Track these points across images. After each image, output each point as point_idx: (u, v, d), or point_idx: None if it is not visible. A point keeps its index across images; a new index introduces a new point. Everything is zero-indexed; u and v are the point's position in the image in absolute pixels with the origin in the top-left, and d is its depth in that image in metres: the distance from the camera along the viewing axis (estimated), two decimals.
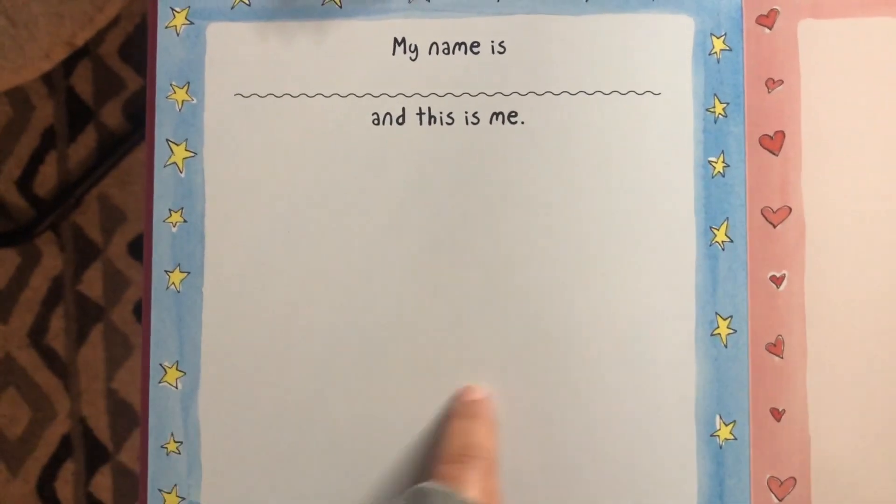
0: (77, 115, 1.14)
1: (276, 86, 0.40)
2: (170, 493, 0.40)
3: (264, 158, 0.40)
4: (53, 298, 1.14)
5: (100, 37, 1.05)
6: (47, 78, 1.14)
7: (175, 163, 0.40)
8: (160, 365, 0.40)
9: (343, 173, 0.40)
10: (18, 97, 1.14)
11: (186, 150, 0.40)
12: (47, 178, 1.15)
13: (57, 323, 1.14)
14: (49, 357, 1.13)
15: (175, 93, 0.40)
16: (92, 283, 1.11)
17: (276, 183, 0.40)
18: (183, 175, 0.40)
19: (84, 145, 1.15)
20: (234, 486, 0.40)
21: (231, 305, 0.40)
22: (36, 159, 1.15)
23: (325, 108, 0.40)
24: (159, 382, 0.40)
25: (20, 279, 1.14)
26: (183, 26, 0.41)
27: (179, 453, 0.40)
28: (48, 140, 1.15)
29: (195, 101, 0.40)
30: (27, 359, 1.13)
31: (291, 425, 0.40)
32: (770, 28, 0.40)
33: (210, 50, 0.41)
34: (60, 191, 1.14)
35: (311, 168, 0.40)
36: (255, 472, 0.40)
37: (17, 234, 1.13)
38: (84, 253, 1.13)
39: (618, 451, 0.39)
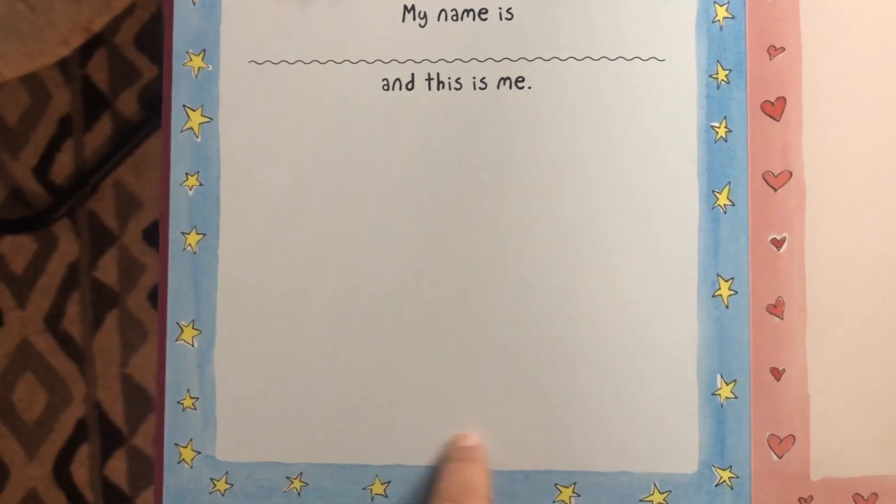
0: (93, 103, 1.15)
1: (289, 53, 0.41)
2: (185, 446, 0.41)
3: (278, 124, 0.41)
4: (69, 284, 1.15)
5: (115, 25, 1.06)
6: (63, 66, 1.15)
7: (192, 128, 0.42)
8: (177, 324, 0.41)
9: (354, 137, 0.41)
10: (35, 85, 1.16)
11: (203, 115, 0.42)
12: (64, 166, 1.16)
13: (73, 308, 1.15)
14: (65, 342, 1.14)
15: (191, 60, 0.42)
16: (107, 270, 1.13)
17: (289, 148, 0.41)
18: (199, 140, 0.42)
19: (100, 133, 1.16)
20: (249, 441, 0.41)
21: (246, 267, 0.41)
22: (52, 147, 1.16)
23: (337, 75, 0.41)
24: (176, 340, 0.41)
25: (37, 265, 1.15)
26: None
27: (195, 409, 0.41)
28: (65, 128, 1.16)
29: (211, 69, 0.42)
30: (44, 344, 1.15)
31: (303, 383, 0.41)
32: None
33: (225, 18, 0.42)
34: (76, 178, 1.15)
35: (322, 133, 0.41)
36: (270, 427, 0.41)
37: (34, 221, 1.14)
38: (100, 240, 1.14)
39: (620, 410, 0.40)
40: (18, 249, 1.14)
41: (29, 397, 1.13)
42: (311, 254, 0.41)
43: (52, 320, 1.14)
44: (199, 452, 0.41)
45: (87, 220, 1.15)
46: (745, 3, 0.41)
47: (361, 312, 0.41)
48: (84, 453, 1.12)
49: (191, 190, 0.41)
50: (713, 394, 0.40)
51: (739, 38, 0.41)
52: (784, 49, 0.41)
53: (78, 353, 1.13)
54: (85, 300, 1.14)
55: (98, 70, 1.13)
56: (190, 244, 0.41)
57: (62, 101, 1.16)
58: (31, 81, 1.15)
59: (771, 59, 0.41)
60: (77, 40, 0.94)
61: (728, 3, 0.41)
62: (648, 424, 0.40)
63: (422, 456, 0.41)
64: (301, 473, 0.41)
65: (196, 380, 0.41)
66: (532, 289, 0.40)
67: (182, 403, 0.41)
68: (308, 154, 0.41)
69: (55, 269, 1.15)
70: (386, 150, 0.41)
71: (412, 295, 0.41)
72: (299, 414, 0.41)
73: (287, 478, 0.41)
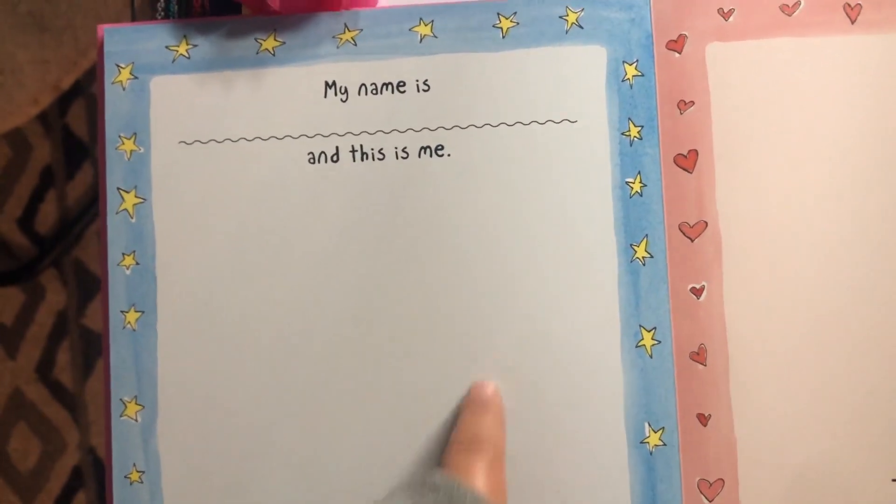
0: (73, 152, 1.17)
1: (217, 132, 0.43)
2: None
3: (209, 201, 0.43)
4: (59, 333, 1.17)
5: (91, 76, 1.08)
6: (44, 119, 1.17)
7: (126, 209, 0.43)
8: (120, 400, 0.42)
9: (283, 210, 0.43)
10: (17, 138, 1.18)
11: (136, 196, 0.43)
12: (48, 216, 1.18)
13: (63, 356, 1.16)
14: (57, 390, 1.16)
15: (123, 143, 0.43)
16: (96, 316, 1.14)
17: (220, 223, 0.43)
18: (134, 220, 0.43)
19: (81, 182, 1.18)
20: None
21: (184, 341, 0.42)
22: (36, 198, 1.18)
23: (264, 151, 0.43)
24: (120, 416, 0.42)
25: (26, 316, 1.17)
26: (128, 81, 0.43)
27: (142, 482, 0.42)
28: (47, 178, 1.18)
29: (142, 151, 0.43)
30: (36, 393, 1.16)
31: (246, 452, 0.42)
32: (679, 52, 0.42)
33: (154, 101, 0.43)
34: (61, 228, 1.17)
35: (252, 207, 0.43)
36: (216, 497, 0.42)
37: (21, 272, 1.16)
38: (86, 287, 1.16)
39: (551, 463, 0.41)
40: (7, 301, 1.16)
41: (23, 447, 1.15)
42: (246, 325, 0.42)
43: (44, 369, 1.15)
44: None
45: (72, 269, 1.16)
46: (653, 61, 0.42)
47: (298, 379, 0.42)
48: (81, 500, 1.14)
49: (128, 269, 0.43)
50: (642, 442, 0.41)
51: (650, 94, 0.42)
52: (693, 103, 0.42)
53: (70, 401, 1.15)
54: (75, 347, 1.16)
55: (77, 120, 1.15)
56: (129, 322, 0.43)
57: (43, 152, 1.18)
58: (13, 135, 1.17)
59: (682, 113, 0.42)
60: (47, 99, 0.95)
61: (637, 61, 0.42)
62: (580, 475, 0.41)
63: None
64: None
65: (141, 454, 0.42)
66: (459, 349, 0.42)
67: (129, 478, 0.42)
68: (240, 228, 0.43)
69: (44, 319, 1.16)
70: (315, 220, 0.42)
71: (346, 360, 0.42)
72: (243, 486, 0.42)
73: None
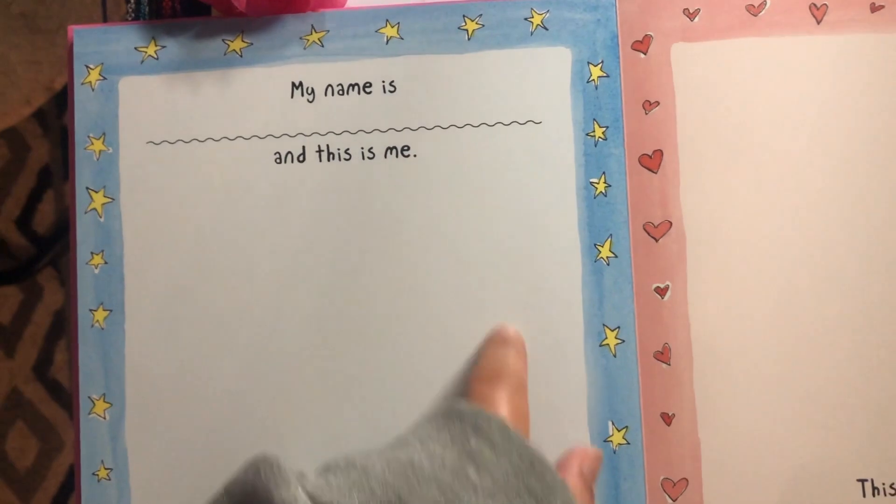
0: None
1: (185, 132, 0.43)
2: None
3: (176, 200, 0.43)
4: (56, 332, 1.17)
5: None
6: (42, 119, 1.18)
7: (95, 209, 0.43)
8: (88, 398, 0.43)
9: (250, 210, 0.43)
10: (15, 139, 1.19)
11: (105, 196, 0.43)
12: (45, 216, 1.18)
13: (61, 356, 1.17)
14: (54, 390, 1.16)
15: (92, 144, 0.44)
16: None
17: (188, 222, 0.43)
18: (102, 220, 0.43)
19: None
20: None
21: (151, 339, 0.43)
22: (34, 198, 1.19)
23: (231, 151, 0.43)
24: (89, 414, 0.43)
25: (24, 315, 1.17)
26: (97, 82, 0.44)
27: (110, 479, 0.42)
28: (44, 179, 1.19)
29: (111, 151, 0.43)
30: (33, 392, 1.17)
31: (214, 450, 0.42)
32: (645, 53, 0.42)
33: (123, 102, 0.43)
34: (59, 227, 1.18)
35: (219, 207, 0.43)
36: (182, 497, 0.42)
37: (19, 272, 1.16)
38: None
39: None
40: (4, 300, 1.17)
41: (21, 446, 1.15)
42: (213, 323, 0.43)
43: (41, 368, 1.16)
44: None
45: (70, 268, 1.17)
46: (619, 61, 0.42)
47: (263, 379, 0.42)
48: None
49: (96, 268, 0.43)
50: (605, 440, 0.41)
51: (615, 95, 0.42)
52: (659, 103, 0.42)
53: (68, 400, 1.15)
54: (73, 347, 1.16)
55: None
56: (98, 320, 0.43)
57: (41, 153, 1.18)
58: (10, 135, 1.18)
59: (647, 114, 0.42)
60: (40, 99, 0.96)
61: (602, 62, 0.42)
62: None
63: None
64: None
65: (109, 451, 0.42)
66: (423, 348, 0.42)
67: (97, 475, 0.42)
68: (206, 227, 0.43)
69: (42, 318, 1.17)
70: (281, 220, 0.43)
71: (311, 358, 0.42)
72: (210, 483, 0.42)
73: None
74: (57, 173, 1.19)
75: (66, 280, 1.18)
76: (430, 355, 0.42)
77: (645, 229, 0.42)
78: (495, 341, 0.41)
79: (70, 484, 1.14)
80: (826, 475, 0.41)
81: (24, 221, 1.19)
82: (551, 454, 0.41)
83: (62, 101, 1.15)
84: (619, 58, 0.42)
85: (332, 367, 0.42)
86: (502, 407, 0.38)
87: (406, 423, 0.41)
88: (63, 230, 1.17)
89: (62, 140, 1.19)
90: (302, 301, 0.43)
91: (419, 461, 0.33)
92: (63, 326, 1.18)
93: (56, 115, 1.18)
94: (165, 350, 0.43)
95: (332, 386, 0.42)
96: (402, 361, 0.42)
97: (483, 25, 0.42)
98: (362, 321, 0.42)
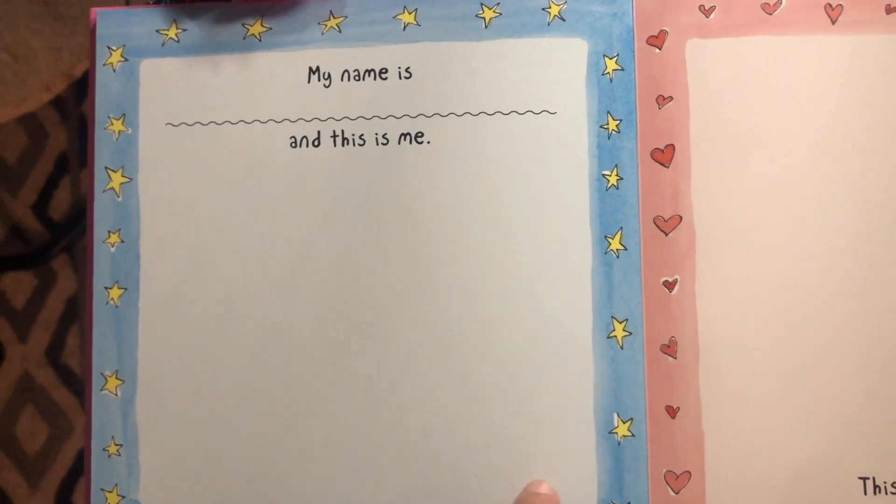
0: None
1: (203, 115, 0.44)
2: (111, 491, 0.43)
3: (193, 182, 0.44)
4: (69, 317, 1.18)
5: None
6: (60, 106, 1.19)
7: (113, 188, 0.44)
8: (101, 374, 0.43)
9: (264, 193, 0.43)
10: (33, 125, 1.20)
11: (123, 176, 0.44)
12: (61, 203, 1.19)
13: (73, 341, 1.18)
14: (65, 374, 1.17)
15: (112, 124, 0.44)
16: None
17: (203, 204, 0.44)
18: (120, 199, 0.44)
19: None
20: (171, 486, 0.43)
21: (165, 319, 0.43)
22: (50, 184, 1.20)
23: (247, 134, 0.44)
24: (101, 390, 0.43)
25: (37, 300, 1.18)
26: (119, 63, 0.44)
27: (120, 455, 0.43)
28: (62, 165, 1.19)
29: (130, 132, 0.44)
30: (45, 376, 1.17)
31: (222, 429, 0.43)
32: (660, 48, 0.43)
33: (143, 84, 0.44)
34: (74, 214, 1.19)
35: (235, 189, 0.43)
36: (191, 473, 0.43)
37: (34, 257, 1.17)
38: None
39: (519, 450, 0.42)
40: (19, 285, 1.18)
41: (31, 429, 1.16)
42: (226, 304, 0.43)
43: (53, 353, 1.17)
44: (124, 497, 0.43)
45: (84, 255, 1.18)
46: (634, 55, 0.42)
47: (274, 361, 0.43)
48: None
49: (113, 247, 0.44)
50: (610, 432, 0.41)
51: (629, 88, 0.42)
52: (672, 98, 0.42)
53: (78, 385, 1.16)
54: (84, 333, 1.17)
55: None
56: (112, 298, 0.43)
57: (59, 139, 1.19)
58: (29, 121, 1.19)
59: (660, 108, 0.42)
60: (59, 86, 0.97)
61: (617, 55, 0.42)
62: (548, 463, 0.41)
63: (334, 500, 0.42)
64: None
65: (120, 427, 0.43)
66: (435, 333, 0.42)
67: (107, 450, 0.43)
68: (221, 209, 0.43)
69: (55, 304, 1.18)
70: (295, 203, 0.43)
71: (323, 341, 0.43)
72: (219, 461, 0.43)
73: None
74: (74, 160, 1.20)
75: (80, 267, 1.19)
76: (438, 341, 0.42)
77: (655, 223, 0.42)
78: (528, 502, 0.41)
79: (78, 468, 1.15)
80: (828, 472, 0.41)
81: (40, 207, 1.20)
82: (556, 446, 0.41)
83: (81, 88, 1.16)
84: (634, 51, 0.42)
85: (343, 350, 0.43)
86: None
87: (415, 407, 0.42)
88: (79, 217, 1.18)
89: (80, 127, 1.20)
90: (314, 283, 0.43)
91: None
92: (76, 312, 1.18)
93: (75, 102, 1.19)
94: (178, 329, 0.43)
95: (342, 366, 0.43)
96: (409, 346, 0.42)
97: (500, 14, 0.43)
98: (372, 303, 0.43)
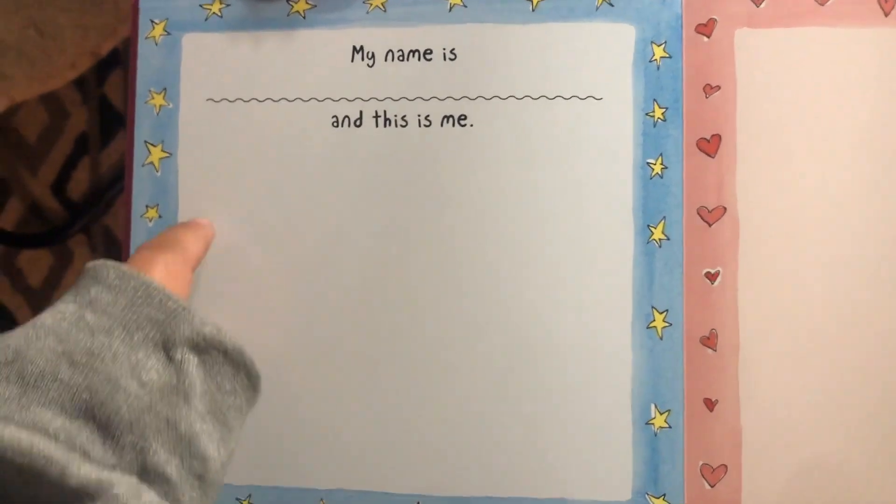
0: (109, 121, 1.19)
1: (245, 91, 0.43)
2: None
3: (233, 158, 0.43)
4: None
5: (129, 45, 1.09)
6: (81, 86, 1.19)
7: (152, 162, 0.44)
8: None
9: (304, 171, 0.43)
10: (54, 105, 1.20)
11: (163, 150, 0.44)
12: (80, 183, 1.19)
13: None
14: None
15: (153, 98, 0.44)
16: None
17: (243, 181, 0.43)
18: (159, 174, 0.44)
19: (115, 151, 1.19)
20: None
21: (198, 294, 0.43)
22: (70, 164, 1.20)
23: (289, 112, 0.43)
24: None
25: (53, 278, 1.19)
26: (161, 37, 0.44)
27: None
28: (81, 146, 1.19)
29: (171, 106, 0.44)
30: None
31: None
32: (708, 36, 0.42)
33: (185, 58, 0.44)
34: (92, 195, 1.19)
35: (274, 167, 0.43)
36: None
37: (52, 236, 1.17)
38: (114, 254, 1.17)
39: (556, 438, 0.41)
40: (36, 263, 1.18)
41: None
42: (261, 282, 0.43)
43: None
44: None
45: (101, 235, 1.18)
46: (681, 43, 0.42)
47: (311, 339, 0.43)
48: None
49: (150, 221, 0.43)
50: (647, 423, 0.41)
51: (676, 76, 0.42)
52: (720, 87, 0.42)
53: None
54: None
55: (114, 89, 1.16)
56: None
57: (79, 119, 1.19)
58: (50, 101, 1.19)
59: (707, 97, 0.42)
60: (85, 64, 0.97)
61: (665, 42, 0.42)
62: (584, 453, 0.41)
63: (363, 481, 0.42)
64: (250, 495, 0.43)
65: None
66: (473, 318, 0.42)
67: None
68: (261, 187, 0.43)
69: (71, 282, 1.18)
70: (335, 183, 0.43)
71: (362, 321, 0.43)
72: (248, 438, 0.42)
73: (237, 499, 0.43)
74: (94, 141, 1.20)
75: (97, 246, 1.19)
76: (475, 326, 0.42)
77: (699, 213, 0.42)
78: (182, 223, 0.42)
79: None
80: (867, 472, 0.40)
81: (58, 187, 1.20)
82: (592, 435, 0.41)
83: (105, 68, 1.16)
84: (682, 39, 0.42)
85: (379, 330, 0.42)
86: (157, 269, 0.37)
87: (450, 393, 0.42)
88: (97, 198, 1.18)
89: (101, 108, 1.20)
90: (351, 263, 0.43)
91: (42, 319, 0.33)
92: None
93: (96, 83, 1.19)
94: (214, 307, 0.43)
95: (376, 347, 0.42)
96: (446, 329, 0.42)
97: None
98: (409, 286, 0.42)
